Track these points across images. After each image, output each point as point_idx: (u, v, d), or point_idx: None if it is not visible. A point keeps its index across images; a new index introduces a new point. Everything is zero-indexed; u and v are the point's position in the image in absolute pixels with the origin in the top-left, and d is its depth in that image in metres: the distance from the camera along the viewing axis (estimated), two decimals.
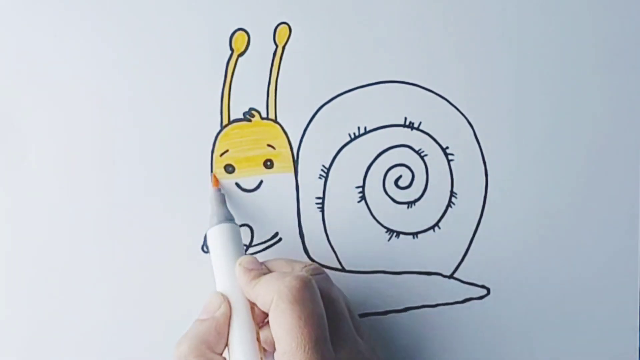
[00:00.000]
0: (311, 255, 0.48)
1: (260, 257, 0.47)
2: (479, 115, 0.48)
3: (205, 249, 0.47)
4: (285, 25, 0.47)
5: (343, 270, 0.48)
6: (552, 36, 0.48)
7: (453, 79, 0.48)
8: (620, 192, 0.49)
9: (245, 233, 0.47)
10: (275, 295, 0.39)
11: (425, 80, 0.48)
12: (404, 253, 0.48)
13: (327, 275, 0.43)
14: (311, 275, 0.41)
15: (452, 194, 0.48)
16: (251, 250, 0.47)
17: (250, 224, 0.47)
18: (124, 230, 0.47)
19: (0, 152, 0.46)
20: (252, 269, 0.42)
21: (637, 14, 0.49)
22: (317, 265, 0.43)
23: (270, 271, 0.42)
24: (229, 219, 0.45)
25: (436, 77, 0.48)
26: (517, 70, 0.48)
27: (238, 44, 0.47)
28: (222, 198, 0.46)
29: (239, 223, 0.47)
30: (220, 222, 0.44)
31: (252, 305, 0.42)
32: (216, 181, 0.46)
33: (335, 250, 0.48)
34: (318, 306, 0.39)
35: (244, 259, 0.43)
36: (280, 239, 0.48)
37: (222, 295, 0.42)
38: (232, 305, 0.42)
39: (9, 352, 0.47)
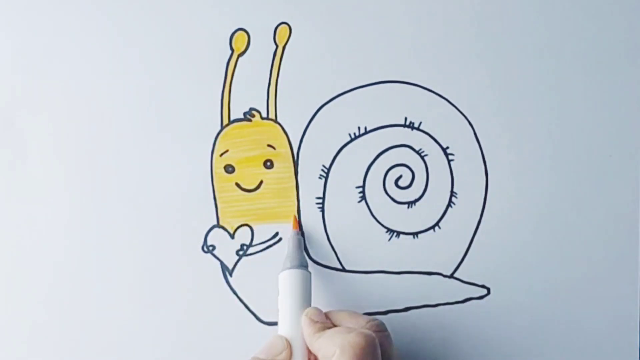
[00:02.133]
0: (311, 255, 0.48)
1: (261, 257, 0.47)
2: (479, 115, 0.48)
3: (205, 249, 0.47)
4: (285, 25, 0.47)
5: (343, 270, 0.48)
6: (552, 36, 0.48)
7: (453, 79, 0.48)
8: (620, 192, 0.49)
9: (245, 233, 0.47)
10: (338, 350, 0.39)
11: (425, 80, 0.48)
12: (404, 253, 0.48)
13: (389, 334, 0.43)
14: (375, 331, 0.41)
15: (452, 194, 0.48)
16: (251, 250, 0.47)
17: (250, 224, 0.47)
18: (124, 230, 0.47)
19: (0, 152, 0.46)
20: (317, 322, 0.42)
21: (637, 14, 0.49)
22: (381, 321, 0.43)
23: (334, 324, 0.43)
24: (304, 265, 0.45)
25: (436, 77, 0.48)
26: (517, 70, 0.48)
27: (238, 44, 0.47)
28: (300, 242, 0.46)
29: (239, 223, 0.47)
30: (294, 267, 0.44)
31: (313, 357, 0.43)
32: (296, 224, 0.47)
33: (335, 250, 0.48)
34: None
35: (311, 310, 0.43)
36: (280, 239, 0.48)
37: (287, 340, 0.43)
38: (293, 351, 0.43)
39: (9, 352, 0.47)
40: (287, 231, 0.47)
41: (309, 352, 0.43)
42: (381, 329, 0.43)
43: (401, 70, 0.48)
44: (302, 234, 0.47)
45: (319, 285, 0.47)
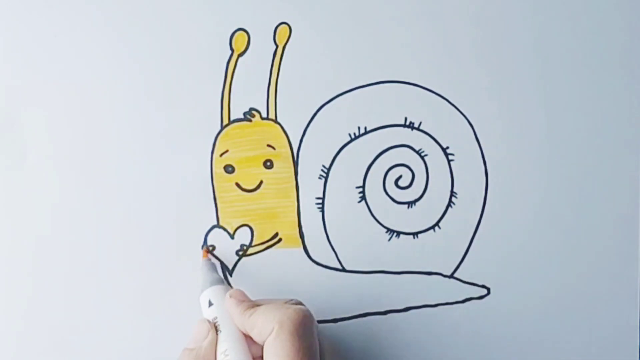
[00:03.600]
0: (311, 255, 0.48)
1: (261, 257, 0.47)
2: (479, 115, 0.48)
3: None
4: (285, 25, 0.47)
5: (343, 270, 0.48)
6: (552, 36, 0.48)
7: (453, 79, 0.48)
8: (620, 192, 0.49)
9: (245, 233, 0.47)
10: (277, 326, 0.38)
11: (425, 80, 0.48)
12: (404, 253, 0.48)
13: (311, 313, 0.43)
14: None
15: (452, 194, 0.48)
16: (251, 250, 0.47)
17: (250, 224, 0.47)
18: (124, 230, 0.47)
19: (0, 152, 0.46)
20: (243, 300, 0.42)
21: (637, 14, 0.49)
22: (299, 300, 0.43)
23: (257, 304, 0.42)
24: (222, 282, 0.45)
25: (436, 77, 0.48)
26: (517, 71, 0.48)
27: (238, 44, 0.47)
28: (212, 266, 0.46)
29: (239, 223, 0.47)
30: (214, 284, 0.44)
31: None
32: (205, 253, 0.47)
33: (335, 250, 0.48)
34: (316, 340, 0.39)
35: (235, 291, 0.43)
36: (280, 239, 0.48)
37: (208, 322, 0.42)
38: (226, 336, 0.42)
39: (8, 351, 0.47)
40: (288, 231, 0.47)
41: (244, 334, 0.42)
42: (306, 308, 0.42)
43: (401, 70, 0.48)
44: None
45: (319, 286, 0.47)
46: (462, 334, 0.49)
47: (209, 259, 0.47)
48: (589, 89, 0.49)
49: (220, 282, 0.45)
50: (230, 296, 0.42)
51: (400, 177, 0.48)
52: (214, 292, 0.44)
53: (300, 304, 0.42)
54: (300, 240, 0.48)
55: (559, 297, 0.49)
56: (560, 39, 0.48)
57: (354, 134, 0.48)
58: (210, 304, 0.43)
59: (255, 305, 0.41)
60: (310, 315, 0.40)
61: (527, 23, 0.48)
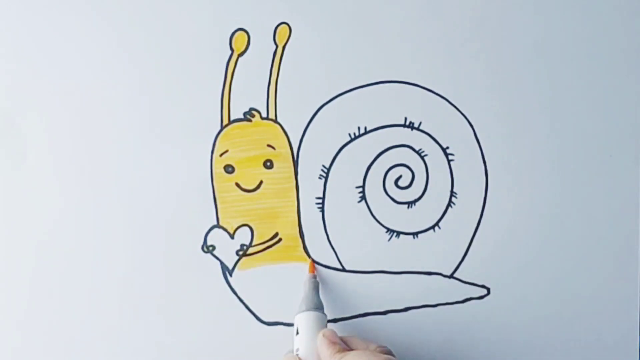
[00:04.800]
0: (311, 255, 0.48)
1: (261, 257, 0.47)
2: (479, 115, 0.48)
3: (205, 249, 0.47)
4: (285, 25, 0.47)
5: (343, 270, 0.48)
6: (551, 36, 0.48)
7: (453, 79, 0.48)
8: (620, 192, 0.49)
9: (245, 233, 0.47)
10: None
11: (425, 80, 0.48)
12: (404, 253, 0.48)
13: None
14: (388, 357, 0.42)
15: (452, 194, 0.48)
16: (251, 250, 0.47)
17: (250, 224, 0.47)
18: (124, 230, 0.47)
19: (0, 152, 0.46)
20: (335, 342, 0.43)
21: (637, 14, 0.49)
22: (390, 349, 0.44)
23: (347, 346, 0.43)
24: (318, 307, 0.45)
25: (436, 77, 0.48)
26: (517, 71, 0.48)
27: (238, 44, 0.47)
28: (316, 285, 0.46)
29: (239, 223, 0.47)
30: (309, 309, 0.44)
31: None
32: (312, 267, 0.47)
33: (335, 250, 0.48)
34: None
35: (327, 332, 0.43)
36: (280, 239, 0.48)
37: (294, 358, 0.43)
38: None
39: (8, 351, 0.47)
40: (288, 231, 0.47)
41: None
42: (393, 355, 0.43)
43: (401, 70, 0.48)
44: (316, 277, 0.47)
45: (319, 286, 0.47)
46: (462, 334, 0.49)
47: (315, 276, 0.47)
48: (589, 89, 0.49)
49: (317, 307, 0.45)
50: (323, 335, 0.43)
51: (400, 177, 0.48)
52: (306, 319, 0.44)
53: (390, 353, 0.43)
54: (300, 240, 0.48)
55: (559, 297, 0.49)
56: (560, 39, 0.48)
57: (354, 134, 0.48)
58: (297, 332, 0.44)
59: (346, 350, 0.42)
60: None
61: (527, 23, 0.48)
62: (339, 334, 0.44)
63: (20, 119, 0.46)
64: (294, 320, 0.44)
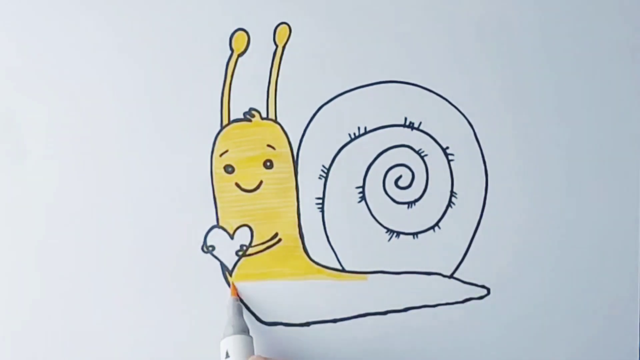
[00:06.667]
0: (311, 255, 0.48)
1: (260, 257, 0.47)
2: (479, 115, 0.48)
3: (205, 249, 0.47)
4: (285, 25, 0.47)
5: (343, 270, 0.48)
6: (552, 36, 0.48)
7: (453, 79, 0.48)
8: (621, 192, 0.49)
9: (244, 233, 0.47)
10: None
11: (425, 80, 0.48)
12: (404, 253, 0.48)
13: None
14: None
15: (452, 194, 0.48)
16: (251, 250, 0.47)
17: (250, 224, 0.47)
18: (124, 230, 0.47)
19: (1, 150, 0.46)
20: None
21: (637, 14, 0.49)
22: None
23: None
24: (245, 330, 0.45)
25: (436, 77, 0.48)
26: (517, 71, 0.48)
27: (238, 44, 0.47)
28: (240, 308, 0.46)
29: (239, 223, 0.47)
30: (236, 333, 0.45)
31: None
32: (234, 291, 0.47)
33: (335, 250, 0.48)
34: None
35: (255, 358, 0.44)
36: (280, 239, 0.48)
37: None
38: None
39: (8, 351, 0.47)
40: (288, 231, 0.47)
41: None
42: None
43: (401, 70, 0.48)
44: (240, 300, 0.47)
45: (319, 285, 0.47)
46: (462, 334, 0.49)
47: (237, 299, 0.47)
48: (589, 89, 0.49)
49: (243, 330, 0.45)
50: None
51: (400, 177, 0.48)
52: (234, 343, 0.44)
53: None
54: (300, 240, 0.48)
55: (559, 297, 0.49)
56: (560, 40, 0.48)
57: (354, 134, 0.48)
58: (227, 355, 0.44)
59: None
60: None
61: (528, 23, 0.48)
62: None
63: (21, 118, 0.46)
64: (220, 344, 0.45)
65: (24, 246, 0.46)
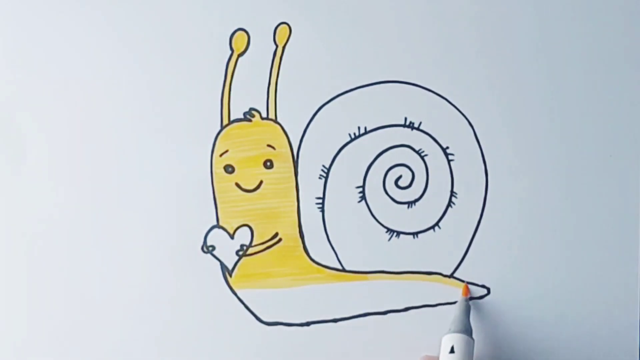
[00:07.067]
0: (311, 255, 0.48)
1: (261, 257, 0.47)
2: (479, 115, 0.48)
3: (205, 249, 0.47)
4: (285, 25, 0.47)
5: (343, 270, 0.48)
6: (552, 36, 0.48)
7: (453, 79, 0.48)
8: (621, 192, 0.49)
9: (245, 233, 0.47)
10: None
11: (425, 80, 0.48)
12: (404, 253, 0.48)
13: None
14: None
15: (452, 194, 0.48)
16: (251, 250, 0.47)
17: (250, 224, 0.47)
18: (124, 230, 0.47)
19: (0, 152, 0.46)
20: None
21: (637, 14, 0.49)
22: None
23: None
24: (470, 332, 0.45)
25: (436, 77, 0.48)
26: (517, 70, 0.48)
27: (238, 44, 0.47)
28: (468, 309, 0.46)
29: (239, 223, 0.47)
30: (459, 331, 0.44)
31: None
32: (466, 291, 0.47)
33: (335, 250, 0.48)
34: None
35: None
36: (280, 239, 0.48)
37: None
38: None
39: (8, 351, 0.47)
40: (288, 231, 0.47)
41: None
42: None
43: (401, 70, 0.48)
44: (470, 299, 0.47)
45: (319, 285, 0.47)
46: None
47: (468, 299, 0.47)
48: (590, 88, 0.49)
49: (469, 332, 0.45)
50: None
51: (400, 177, 0.48)
52: (460, 341, 0.44)
53: None
54: (300, 240, 0.48)
55: (559, 297, 0.49)
56: (561, 39, 0.48)
57: (354, 134, 0.48)
58: (452, 350, 0.44)
59: None
60: None
61: (528, 23, 0.48)
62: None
63: (20, 118, 0.46)
64: (442, 339, 0.44)
65: (24, 246, 0.46)
